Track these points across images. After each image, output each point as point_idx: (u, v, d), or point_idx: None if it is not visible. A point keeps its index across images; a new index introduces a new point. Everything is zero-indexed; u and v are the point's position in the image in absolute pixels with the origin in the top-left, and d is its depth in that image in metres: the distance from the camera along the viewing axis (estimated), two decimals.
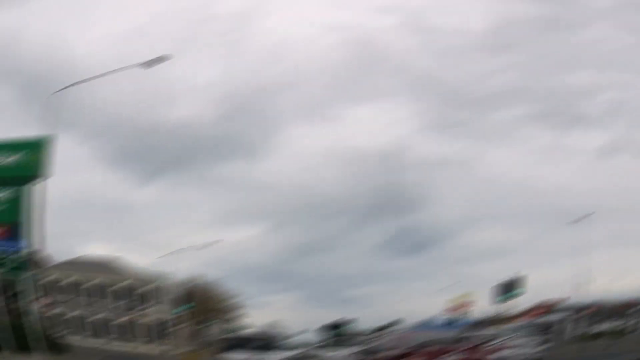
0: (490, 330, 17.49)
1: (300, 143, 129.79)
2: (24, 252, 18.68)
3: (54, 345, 21.41)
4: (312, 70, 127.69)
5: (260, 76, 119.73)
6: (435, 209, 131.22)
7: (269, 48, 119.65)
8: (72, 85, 22.13)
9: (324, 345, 26.52)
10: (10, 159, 25.73)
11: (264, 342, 15.97)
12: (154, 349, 50.10)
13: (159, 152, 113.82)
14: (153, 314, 52.90)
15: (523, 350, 14.45)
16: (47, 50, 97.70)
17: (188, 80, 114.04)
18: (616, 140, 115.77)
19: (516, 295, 23.66)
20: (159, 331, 53.14)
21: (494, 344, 12.52)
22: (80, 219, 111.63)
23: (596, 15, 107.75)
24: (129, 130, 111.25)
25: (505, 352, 13.55)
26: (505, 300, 23.78)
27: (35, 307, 20.60)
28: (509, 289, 23.56)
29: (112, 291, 53.28)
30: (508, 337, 14.74)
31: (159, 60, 19.39)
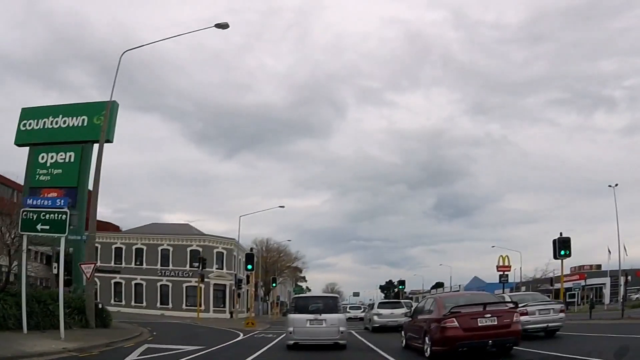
0: (520, 294, 17.39)
1: (361, 124, 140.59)
2: (73, 214, 17.03)
3: (98, 317, 19.48)
4: (371, 62, 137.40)
5: (326, 66, 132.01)
6: (473, 181, 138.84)
7: (332, 41, 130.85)
8: (142, 45, 22.18)
9: (379, 305, 27.08)
10: (74, 121, 24.89)
11: (326, 303, 15.89)
12: (219, 314, 49.77)
13: (241, 131, 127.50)
14: (219, 278, 52.23)
15: (547, 317, 14.47)
16: (122, 36, 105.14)
17: (264, 69, 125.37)
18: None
19: (566, 256, 23.09)
20: (223, 296, 52.85)
21: (521, 308, 12.58)
22: (168, 189, 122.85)
23: (629, 3, 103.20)
24: (215, 111, 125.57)
25: (528, 317, 13.67)
26: (563, 257, 23.31)
27: (83, 273, 18.21)
28: (561, 247, 22.97)
29: (178, 256, 52.03)
30: (534, 302, 14.75)
31: (225, 25, 20.19)
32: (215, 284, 51.53)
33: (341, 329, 14.86)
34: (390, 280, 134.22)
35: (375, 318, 24.68)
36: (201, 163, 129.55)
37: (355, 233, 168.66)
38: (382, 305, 26.53)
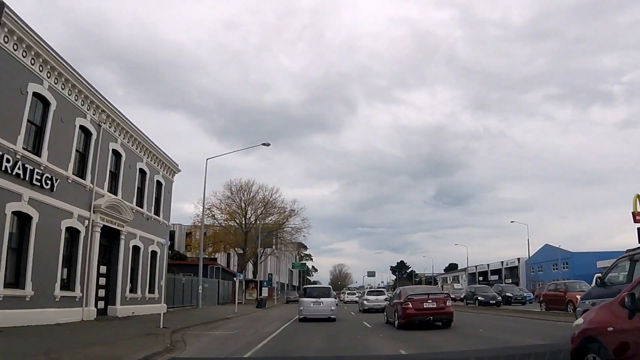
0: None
1: (369, 120, 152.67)
2: None
3: None
4: (380, 61, 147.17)
5: (338, 66, 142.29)
6: (470, 171, 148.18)
7: (344, 41, 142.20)
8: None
9: (367, 293, 34.04)
10: None
11: (323, 291, 23.39)
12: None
13: (259, 127, 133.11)
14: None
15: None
16: (144, 35, 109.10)
17: (280, 69, 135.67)
18: (636, 115, 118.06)
19: None
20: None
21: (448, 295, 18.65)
22: (190, 179, 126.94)
23: None
24: (235, 109, 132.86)
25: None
26: None
27: None
28: None
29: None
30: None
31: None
32: (70, 228, 18.15)
33: (332, 308, 22.31)
34: (402, 261, 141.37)
35: (365, 302, 31.90)
36: (222, 156, 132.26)
37: (361, 220, 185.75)
38: (369, 293, 33.90)
